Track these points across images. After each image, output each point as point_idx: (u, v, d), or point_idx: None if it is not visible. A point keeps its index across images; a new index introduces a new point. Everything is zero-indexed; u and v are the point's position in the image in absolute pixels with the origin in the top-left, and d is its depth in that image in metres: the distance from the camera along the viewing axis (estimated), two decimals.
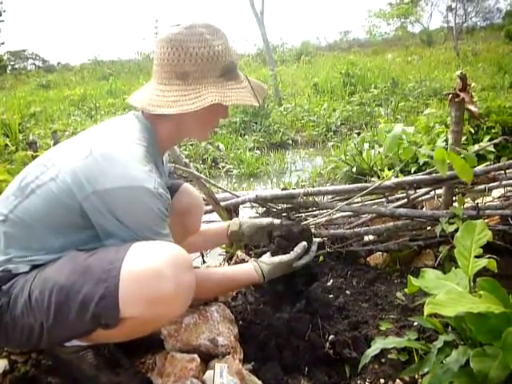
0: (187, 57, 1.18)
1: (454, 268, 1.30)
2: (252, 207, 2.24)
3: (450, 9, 20.14)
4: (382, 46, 20.23)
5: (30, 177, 1.16)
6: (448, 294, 1.02)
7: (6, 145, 4.56)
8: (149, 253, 1.04)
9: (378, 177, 2.90)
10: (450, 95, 1.61)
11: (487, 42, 16.80)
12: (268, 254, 1.52)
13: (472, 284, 1.16)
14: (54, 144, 2.42)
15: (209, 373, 1.21)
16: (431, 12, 25.13)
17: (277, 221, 1.63)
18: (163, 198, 1.13)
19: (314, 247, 1.53)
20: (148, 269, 1.01)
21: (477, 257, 1.20)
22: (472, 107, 1.52)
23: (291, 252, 1.47)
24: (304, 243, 1.49)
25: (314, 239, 1.57)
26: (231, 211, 2.04)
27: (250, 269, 1.42)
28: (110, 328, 1.04)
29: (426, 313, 0.93)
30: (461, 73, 1.54)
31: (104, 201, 1.07)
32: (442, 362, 1.11)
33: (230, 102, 1.20)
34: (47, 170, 1.14)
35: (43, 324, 1.05)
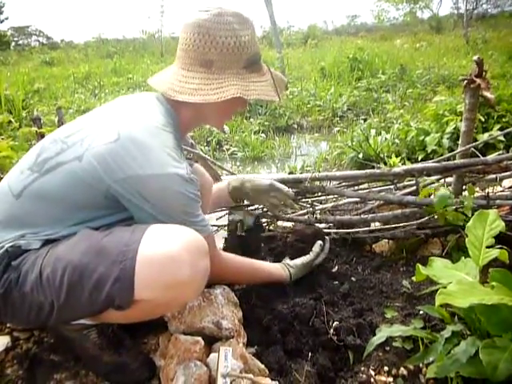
0: (213, 45, 1.16)
1: (463, 258, 1.28)
2: None
3: None
4: (390, 32, 19.96)
5: (48, 152, 1.14)
6: (459, 284, 1.00)
7: (10, 121, 4.51)
8: (165, 237, 1.03)
9: (385, 163, 2.87)
10: (466, 81, 1.57)
11: (498, 30, 16.50)
12: (287, 257, 1.60)
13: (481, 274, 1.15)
14: (59, 121, 2.39)
15: (213, 355, 1.20)
16: None
17: (279, 184, 1.63)
18: (195, 182, 1.13)
19: (327, 244, 1.67)
20: (164, 253, 1.00)
21: (488, 247, 1.18)
22: (488, 94, 1.48)
23: (310, 252, 1.61)
24: (320, 242, 1.64)
25: (326, 237, 1.70)
26: None
27: (281, 268, 1.52)
28: (122, 310, 1.03)
29: (437, 303, 0.92)
30: (478, 58, 1.49)
31: (138, 187, 1.06)
32: (448, 353, 1.09)
33: (251, 96, 1.19)
34: (68, 148, 1.12)
35: (53, 303, 1.03)
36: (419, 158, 3.54)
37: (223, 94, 1.15)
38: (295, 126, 6.46)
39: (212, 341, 1.29)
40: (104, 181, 1.07)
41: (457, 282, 1.00)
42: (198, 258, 1.04)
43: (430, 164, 1.75)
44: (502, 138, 3.18)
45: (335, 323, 1.39)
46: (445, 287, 1.00)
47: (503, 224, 1.20)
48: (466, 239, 1.23)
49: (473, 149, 1.75)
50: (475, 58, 1.50)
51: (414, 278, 1.55)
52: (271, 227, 2.05)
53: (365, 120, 5.64)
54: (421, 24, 22.23)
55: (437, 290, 1.48)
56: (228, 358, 1.13)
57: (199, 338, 1.23)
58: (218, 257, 1.31)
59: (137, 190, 1.07)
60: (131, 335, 1.32)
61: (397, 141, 3.94)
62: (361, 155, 3.88)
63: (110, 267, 0.99)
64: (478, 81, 1.50)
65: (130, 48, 16.66)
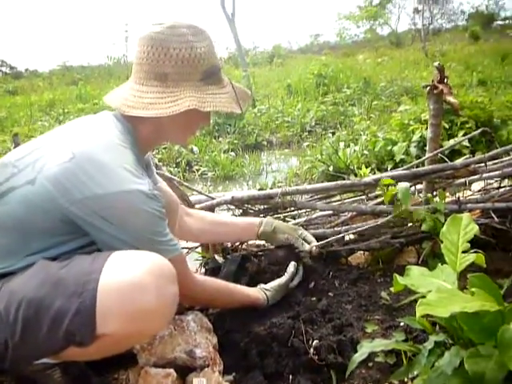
0: (167, 57, 1.12)
1: (439, 264, 1.25)
2: (228, 209, 2.15)
3: (416, 11, 20.66)
4: (352, 49, 20.55)
5: None
6: (439, 292, 0.96)
7: None
8: (129, 263, 0.96)
9: (356, 175, 2.87)
10: (428, 87, 1.57)
11: (453, 43, 17.24)
12: (260, 284, 1.54)
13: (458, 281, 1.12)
14: (15, 147, 2.27)
15: None
16: (399, 14, 25.74)
17: (308, 236, 1.66)
18: (159, 199, 1.08)
19: (300, 267, 1.63)
20: (127, 280, 0.93)
21: (463, 252, 1.16)
22: (451, 98, 1.49)
23: (285, 273, 1.56)
24: (293, 262, 1.61)
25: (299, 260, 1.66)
26: None
27: (257, 291, 1.47)
28: (84, 346, 0.95)
29: (418, 314, 0.88)
30: (438, 64, 1.50)
31: (97, 207, 1.00)
32: (433, 365, 1.05)
33: (208, 108, 1.14)
34: (19, 172, 1.05)
35: (8, 342, 0.95)
36: (389, 168, 3.58)
37: (177, 107, 1.11)
38: (265, 143, 6.48)
39: (186, 371, 1.21)
40: (60, 204, 1.00)
41: (436, 291, 0.96)
42: (165, 283, 0.98)
43: (399, 172, 1.74)
44: (467, 144, 3.25)
45: (315, 342, 1.33)
46: (424, 296, 0.96)
47: (477, 228, 1.18)
48: (442, 245, 1.20)
49: (440, 155, 1.75)
50: (436, 64, 1.51)
51: (392, 289, 1.53)
52: (244, 246, 1.99)
53: (333, 133, 5.70)
54: (381, 40, 23.02)
55: (416, 300, 1.47)
56: None
57: (171, 370, 1.16)
58: (191, 278, 1.24)
59: (96, 211, 1.00)
60: (99, 372, 1.23)
61: (366, 152, 3.98)
62: (331, 168, 3.90)
63: (68, 300, 0.92)
64: (441, 86, 1.51)
65: (96, 74, 16.52)
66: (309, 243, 1.63)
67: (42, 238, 1.05)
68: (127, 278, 0.94)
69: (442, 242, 1.22)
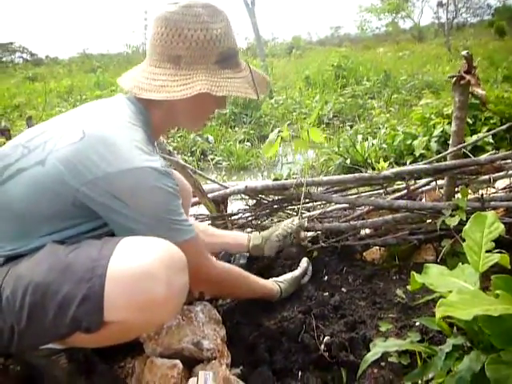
0: (181, 39, 1.08)
1: (460, 264, 1.19)
2: (241, 199, 2.12)
3: (440, 4, 20.19)
4: (372, 42, 20.24)
5: (8, 159, 1.04)
6: (460, 293, 0.91)
7: None
8: (139, 250, 0.93)
9: (373, 169, 2.80)
10: (455, 78, 1.50)
11: (478, 38, 16.80)
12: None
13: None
14: None
15: (192, 380, 1.09)
16: (422, 8, 25.23)
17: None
18: (172, 175, 1.04)
19: (310, 267, 1.63)
20: (137, 268, 0.90)
21: (487, 251, 1.09)
22: (479, 90, 1.41)
23: (298, 267, 1.57)
24: (306, 258, 1.62)
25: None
26: (219, 203, 1.92)
27: (272, 283, 1.45)
28: (91, 332, 0.93)
29: (437, 315, 0.82)
30: (467, 53, 1.42)
31: (109, 187, 0.97)
32: (450, 369, 1.00)
33: (220, 93, 1.09)
34: (29, 152, 1.03)
35: (14, 327, 0.93)
36: (407, 163, 3.49)
37: (189, 91, 1.07)
38: None
39: (193, 363, 1.19)
40: (71, 186, 0.97)
41: (458, 292, 0.90)
42: (175, 272, 0.94)
43: (420, 166, 1.67)
44: (490, 140, 3.15)
45: (326, 338, 1.30)
46: (443, 296, 0.91)
47: (502, 226, 1.12)
48: (464, 244, 1.14)
49: (464, 150, 1.68)
50: (464, 52, 1.43)
51: (408, 287, 1.47)
52: None
53: (351, 126, 5.60)
54: (402, 33, 22.61)
55: (433, 300, 1.42)
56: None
57: (177, 361, 1.13)
58: (209, 261, 1.20)
59: (108, 191, 0.97)
60: (105, 359, 1.21)
61: (384, 146, 3.90)
62: (348, 161, 3.82)
63: (76, 286, 0.90)
64: (468, 77, 1.43)
65: (114, 62, 16.59)
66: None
67: (52, 221, 1.03)
68: (137, 265, 0.91)
69: (463, 240, 1.17)
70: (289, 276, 1.50)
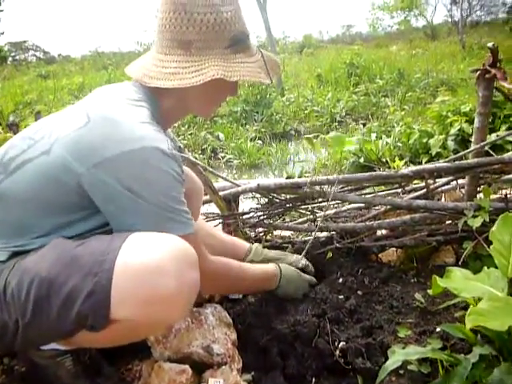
0: (191, 23, 1.03)
1: (485, 268, 1.13)
2: (253, 198, 2.06)
3: (454, 2, 19.88)
4: (384, 40, 20.03)
5: (15, 151, 1.02)
6: (491, 301, 0.84)
7: None
8: (149, 245, 0.90)
9: (389, 167, 2.73)
10: (478, 72, 1.42)
11: (492, 36, 16.53)
12: None
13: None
14: None
15: None
16: (435, 5, 24.81)
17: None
18: (178, 160, 0.99)
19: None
20: (147, 263, 0.87)
21: None
22: (506, 84, 1.34)
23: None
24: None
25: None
26: (230, 202, 1.87)
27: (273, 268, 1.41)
28: (97, 330, 0.90)
29: (468, 325, 0.76)
30: (492, 44, 1.35)
31: (110, 170, 0.93)
32: (476, 381, 0.94)
33: (234, 78, 1.04)
34: (35, 143, 1.01)
35: (18, 321, 0.91)
36: (423, 162, 3.41)
37: (202, 77, 1.02)
38: (292, 132, 6.36)
39: (202, 368, 1.14)
40: (75, 172, 0.94)
41: (488, 299, 0.84)
42: (186, 268, 0.91)
43: (441, 164, 1.59)
44: (510, 139, 3.06)
45: (341, 344, 1.25)
46: (467, 302, 0.85)
47: None
48: (491, 247, 1.08)
49: (487, 148, 1.60)
50: (490, 44, 1.35)
51: (428, 291, 1.41)
52: (268, 237, 1.90)
53: (364, 124, 5.53)
54: (415, 31, 22.32)
55: (454, 305, 1.35)
56: None
57: (186, 366, 1.10)
58: (206, 257, 1.13)
59: (110, 174, 0.93)
60: (112, 361, 1.18)
61: (399, 144, 3.83)
62: (362, 160, 3.75)
63: (82, 280, 0.87)
64: (493, 71, 1.36)
65: (126, 60, 16.66)
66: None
67: (59, 214, 1.01)
68: (146, 259, 0.88)
69: (489, 242, 1.10)
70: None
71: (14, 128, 2.14)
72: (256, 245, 1.61)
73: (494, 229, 1.09)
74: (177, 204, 0.99)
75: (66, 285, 0.88)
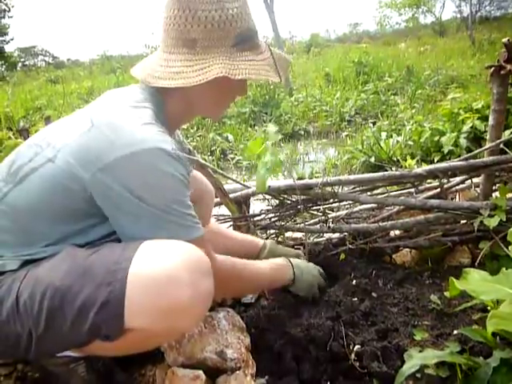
0: (195, 21, 1.01)
1: (504, 269, 1.10)
2: (264, 199, 2.04)
3: None
4: (392, 38, 19.87)
5: (22, 159, 1.01)
6: None
7: (9, 137, 4.44)
8: (162, 253, 0.88)
9: (400, 166, 2.70)
10: (493, 68, 1.39)
11: (503, 31, 16.32)
12: None
13: None
14: None
15: None
16: (444, 1, 24.55)
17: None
18: (183, 161, 0.96)
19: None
20: (161, 271, 0.86)
21: None
22: None
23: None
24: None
25: None
26: (241, 204, 1.86)
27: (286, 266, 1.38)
28: (111, 340, 0.89)
29: (489, 329, 0.74)
30: (508, 40, 1.32)
31: (113, 174, 0.91)
32: None
33: (239, 76, 1.01)
34: (42, 150, 0.99)
35: (32, 333, 0.90)
36: (435, 160, 3.36)
37: (205, 76, 0.99)
38: (301, 133, 6.33)
39: (216, 373, 1.13)
40: (80, 177, 0.93)
41: (510, 302, 0.81)
42: (200, 278, 0.89)
43: (455, 163, 1.56)
44: None
45: (357, 347, 1.23)
46: (485, 305, 0.82)
47: None
48: (509, 247, 1.05)
49: (502, 146, 1.57)
50: (504, 40, 1.32)
51: (445, 293, 1.38)
52: (279, 239, 1.88)
53: (374, 123, 5.47)
54: (423, 28, 22.13)
55: (471, 307, 1.32)
56: None
57: (200, 372, 1.08)
58: (215, 260, 1.10)
59: (114, 179, 0.91)
60: (125, 367, 1.17)
61: (410, 142, 3.77)
62: (372, 159, 3.71)
63: (95, 290, 0.86)
64: (509, 66, 1.33)
65: (134, 63, 16.70)
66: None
67: (68, 222, 0.99)
68: (160, 268, 0.86)
69: (509, 243, 1.07)
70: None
71: (24, 133, 2.15)
72: (270, 241, 1.59)
73: None
74: (183, 208, 0.97)
75: (80, 295, 0.86)
